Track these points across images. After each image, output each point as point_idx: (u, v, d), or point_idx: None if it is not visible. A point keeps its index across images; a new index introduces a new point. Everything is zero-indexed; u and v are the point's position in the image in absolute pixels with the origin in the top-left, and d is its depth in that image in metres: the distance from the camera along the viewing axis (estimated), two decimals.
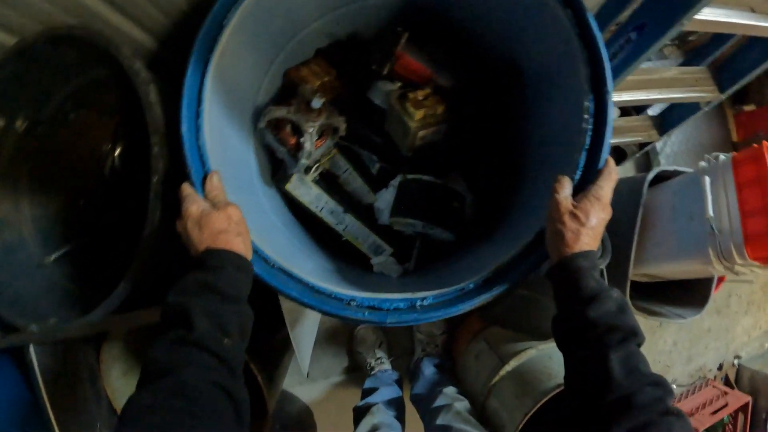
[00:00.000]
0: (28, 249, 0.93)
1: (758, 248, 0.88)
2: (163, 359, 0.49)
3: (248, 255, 0.62)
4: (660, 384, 0.50)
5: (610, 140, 0.66)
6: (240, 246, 0.60)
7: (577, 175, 0.66)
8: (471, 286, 0.65)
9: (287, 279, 0.67)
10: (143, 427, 0.43)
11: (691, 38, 1.79)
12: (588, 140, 0.66)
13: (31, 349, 0.81)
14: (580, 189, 0.64)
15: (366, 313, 0.64)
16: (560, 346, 0.59)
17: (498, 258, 0.67)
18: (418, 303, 0.65)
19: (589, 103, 0.67)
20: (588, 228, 0.58)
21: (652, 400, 0.48)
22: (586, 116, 0.67)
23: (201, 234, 0.59)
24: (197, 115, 0.70)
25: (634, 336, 0.52)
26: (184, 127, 0.69)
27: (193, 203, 0.62)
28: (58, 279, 0.93)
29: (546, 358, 1.14)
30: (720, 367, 2.23)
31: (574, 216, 0.59)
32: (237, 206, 0.64)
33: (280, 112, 0.85)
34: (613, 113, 0.66)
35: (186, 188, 0.65)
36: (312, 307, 0.64)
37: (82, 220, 1.01)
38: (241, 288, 0.58)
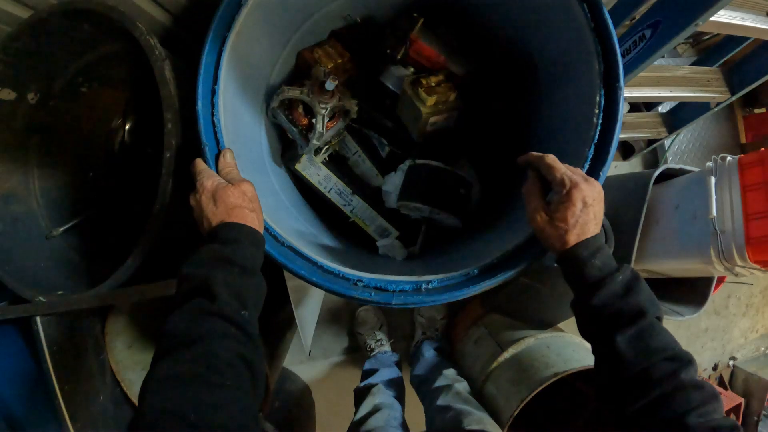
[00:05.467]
0: (37, 221, 0.94)
1: (759, 251, 0.88)
2: (186, 329, 0.47)
3: (261, 231, 0.63)
4: (676, 358, 0.50)
5: (619, 135, 0.67)
6: (254, 221, 0.61)
7: (585, 168, 0.66)
8: (476, 271, 0.66)
9: (296, 257, 0.68)
10: (172, 396, 0.42)
11: (706, 38, 1.78)
12: (597, 135, 0.67)
13: (38, 320, 0.81)
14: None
15: (372, 294, 0.64)
16: (580, 332, 0.59)
17: (503, 246, 0.68)
18: (424, 286, 0.65)
19: (600, 98, 0.67)
20: (574, 226, 0.57)
21: (666, 374, 0.48)
22: (596, 110, 0.67)
23: (216, 208, 0.59)
24: (213, 92, 0.70)
25: (641, 315, 0.52)
26: (200, 104, 0.69)
27: (209, 178, 0.62)
28: (66, 251, 0.94)
29: (544, 347, 1.16)
30: (715, 368, 2.25)
31: (554, 226, 0.58)
32: (251, 183, 0.65)
33: (294, 92, 0.86)
34: (623, 109, 0.67)
35: (200, 163, 0.66)
36: (320, 286, 0.65)
37: (91, 193, 1.02)
38: (256, 262, 0.58)
